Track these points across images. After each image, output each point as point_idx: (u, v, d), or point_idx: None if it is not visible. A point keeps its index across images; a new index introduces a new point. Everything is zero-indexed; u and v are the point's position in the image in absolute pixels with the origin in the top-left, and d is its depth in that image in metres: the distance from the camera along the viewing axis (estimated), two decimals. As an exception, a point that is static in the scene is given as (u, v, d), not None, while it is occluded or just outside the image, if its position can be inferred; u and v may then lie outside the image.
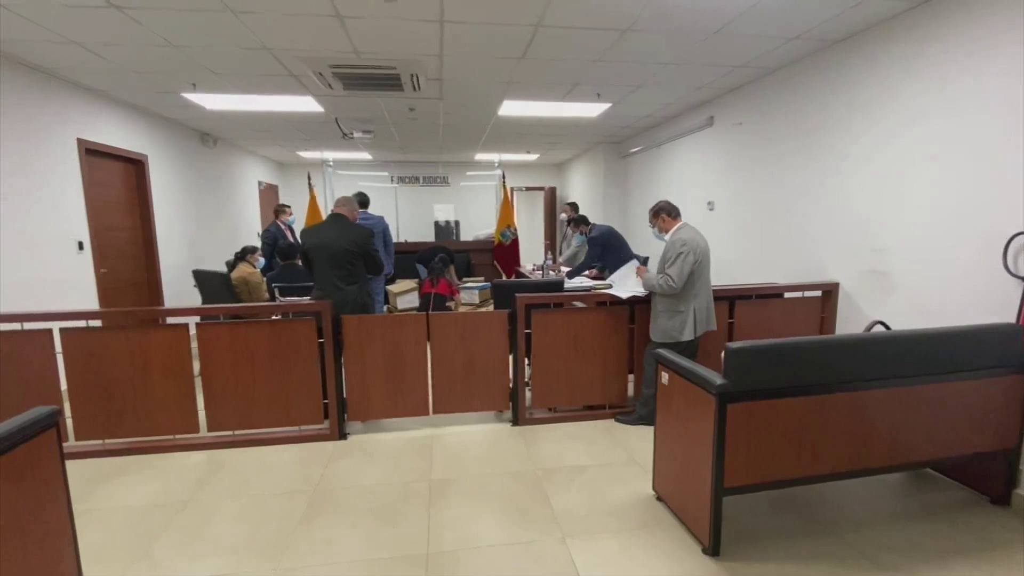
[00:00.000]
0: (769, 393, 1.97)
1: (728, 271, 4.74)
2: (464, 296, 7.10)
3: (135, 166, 5.12)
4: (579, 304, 3.42)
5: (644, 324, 3.39)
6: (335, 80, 4.09)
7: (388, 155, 8.87)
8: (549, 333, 3.31)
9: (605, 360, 3.41)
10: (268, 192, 8.94)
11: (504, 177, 8.23)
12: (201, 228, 6.38)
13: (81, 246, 4.25)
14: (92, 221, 4.35)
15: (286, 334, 3.07)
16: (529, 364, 3.36)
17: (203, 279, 4.58)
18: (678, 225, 3.12)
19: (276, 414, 3.13)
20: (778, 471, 2.04)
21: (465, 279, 7.70)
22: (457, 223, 9.86)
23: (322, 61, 3.69)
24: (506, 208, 8.13)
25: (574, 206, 7.13)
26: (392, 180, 10.13)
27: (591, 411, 3.48)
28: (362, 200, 5.32)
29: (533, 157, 9.43)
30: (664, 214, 3.14)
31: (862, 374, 2.05)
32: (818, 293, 3.65)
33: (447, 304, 6.02)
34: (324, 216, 8.00)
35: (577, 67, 3.99)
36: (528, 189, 11.04)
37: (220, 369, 3.04)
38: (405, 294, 6.66)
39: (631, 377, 3.54)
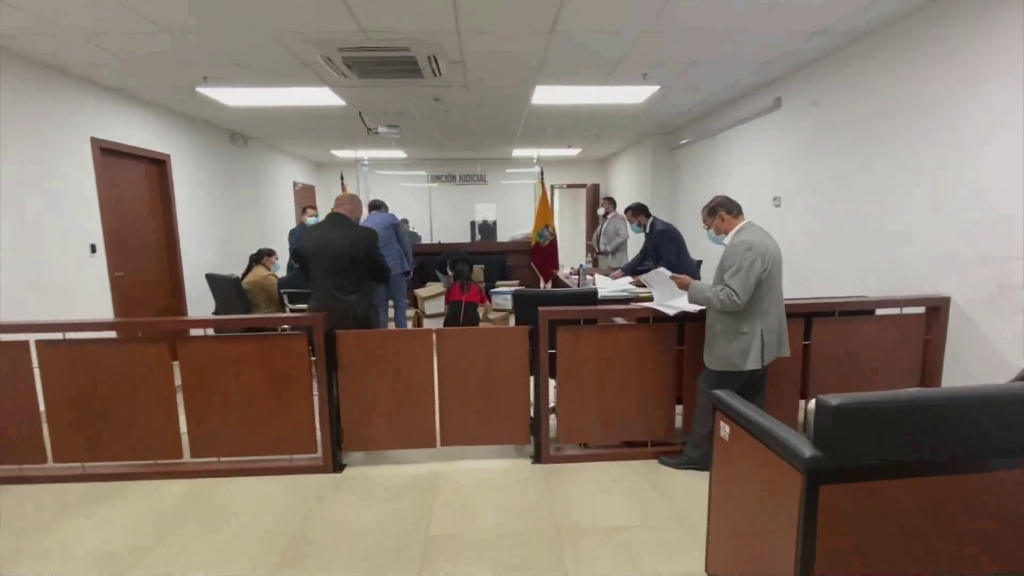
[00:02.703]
0: (882, 471, 1.36)
1: (799, 281, 4.01)
2: (497, 301, 6.64)
3: (157, 166, 4.97)
4: (617, 320, 2.85)
5: (696, 345, 2.78)
6: (347, 68, 3.72)
7: (423, 153, 8.54)
8: (578, 354, 2.78)
9: (647, 388, 2.83)
10: (303, 192, 8.84)
11: (542, 174, 7.71)
12: (231, 230, 6.24)
13: (94, 249, 4.09)
14: (107, 223, 4.20)
15: (277, 350, 2.70)
16: (554, 407, 2.84)
17: (215, 284, 4.35)
18: (741, 225, 2.50)
19: (266, 441, 2.77)
20: (889, 571, 1.42)
21: (499, 283, 7.24)
22: (494, 223, 9.42)
23: (329, 44, 3.31)
24: (543, 207, 7.60)
25: (612, 200, 6.59)
26: (428, 179, 9.82)
27: (630, 447, 2.91)
28: (379, 203, 5.15)
29: (574, 152, 8.85)
30: (723, 211, 2.53)
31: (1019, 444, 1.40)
32: (921, 310, 2.91)
33: (478, 312, 5.57)
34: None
35: (618, 41, 3.42)
36: (569, 187, 10.46)
37: (204, 388, 2.71)
38: (434, 298, 6.27)
39: (679, 408, 2.94)
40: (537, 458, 2.84)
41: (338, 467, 2.80)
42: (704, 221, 2.62)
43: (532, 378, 2.82)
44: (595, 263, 6.61)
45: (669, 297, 2.78)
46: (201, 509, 2.48)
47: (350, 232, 2.92)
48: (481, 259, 7.23)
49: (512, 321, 3.49)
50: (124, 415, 2.72)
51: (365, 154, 8.26)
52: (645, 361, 2.81)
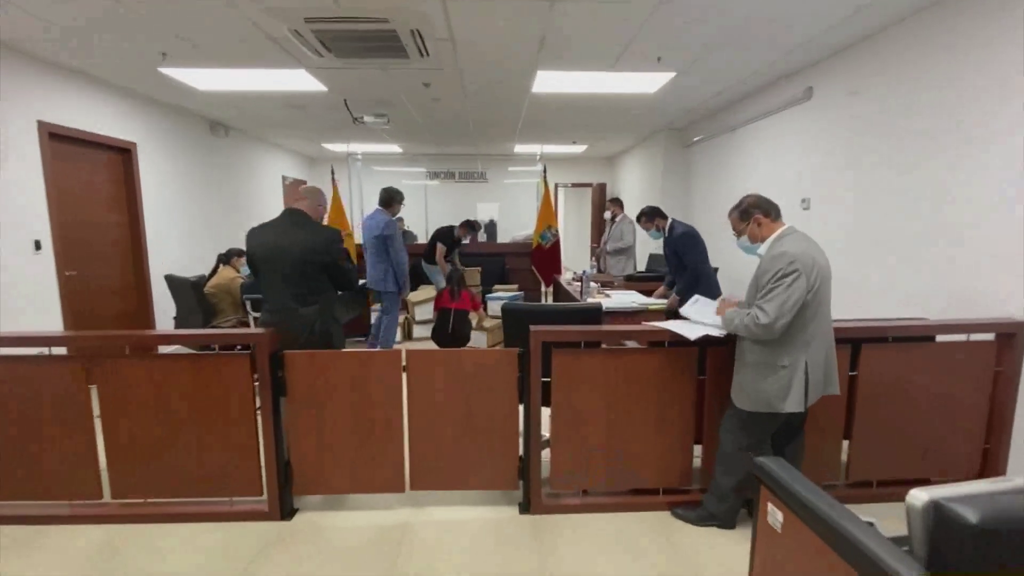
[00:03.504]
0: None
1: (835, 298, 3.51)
2: (494, 307, 6.17)
3: (120, 154, 4.54)
4: (628, 343, 2.37)
5: (722, 375, 2.31)
6: (322, 45, 3.26)
7: (420, 148, 8.09)
8: (578, 382, 2.30)
9: (661, 425, 2.36)
10: (294, 188, 8.40)
11: (545, 171, 7.23)
12: (211, 227, 5.80)
13: (39, 245, 3.65)
14: (55, 216, 3.76)
15: (214, 373, 2.24)
16: (548, 438, 2.37)
17: (175, 287, 3.90)
18: (781, 230, 2.02)
19: (202, 481, 2.31)
20: None
21: (497, 287, 6.77)
22: (494, 223, 8.96)
23: (294, 13, 2.85)
24: (546, 206, 7.12)
25: (618, 202, 6.10)
26: (427, 176, 9.36)
27: (638, 495, 2.43)
28: (387, 197, 4.30)
29: (580, 149, 8.36)
30: (759, 214, 2.05)
31: None
32: (990, 336, 2.42)
33: (470, 320, 5.10)
34: (349, 216, 7.36)
35: (629, 17, 2.94)
36: (574, 186, 9.97)
37: (127, 417, 2.25)
38: (425, 303, 5.81)
39: (698, 449, 2.46)
40: (526, 507, 2.37)
41: (287, 514, 2.34)
42: (734, 226, 2.14)
43: (521, 407, 2.35)
44: (600, 269, 6.13)
45: (705, 319, 2.29)
46: (120, 562, 2.03)
47: (310, 233, 2.46)
48: (479, 261, 6.77)
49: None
50: (33, 448, 2.27)
51: (358, 148, 7.81)
52: (658, 393, 2.33)
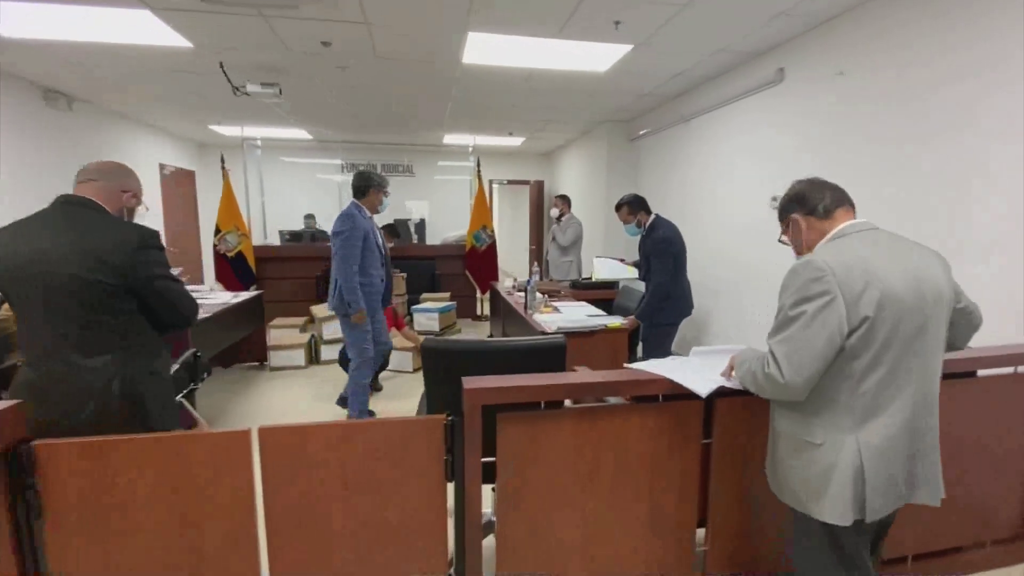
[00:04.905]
0: None
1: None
2: (422, 320, 5.30)
3: None
4: (610, 399, 1.62)
5: (734, 435, 1.64)
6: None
7: (332, 133, 7.01)
8: (538, 462, 1.54)
9: (653, 504, 1.65)
10: (179, 179, 7.02)
11: (479, 166, 6.46)
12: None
13: None
14: None
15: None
16: (494, 519, 1.58)
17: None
18: (836, 230, 1.31)
19: None
20: None
21: (426, 296, 5.90)
22: (423, 222, 8.04)
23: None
24: (480, 204, 6.38)
25: (566, 199, 5.51)
26: (343, 168, 8.26)
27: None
28: (360, 184, 3.15)
29: (518, 142, 7.66)
30: (797, 211, 1.36)
31: None
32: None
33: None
34: (246, 214, 6.15)
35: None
36: (511, 183, 9.27)
37: None
38: (334, 319, 4.81)
39: (701, 532, 1.77)
40: (460, 649, 1.57)
41: None
42: (783, 227, 1.44)
43: (453, 486, 1.55)
44: (543, 275, 5.45)
45: (712, 372, 1.59)
46: None
47: (98, 235, 1.50)
48: (404, 266, 5.84)
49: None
50: None
51: (256, 132, 6.62)
52: (650, 463, 1.62)
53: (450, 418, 1.46)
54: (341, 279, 3.00)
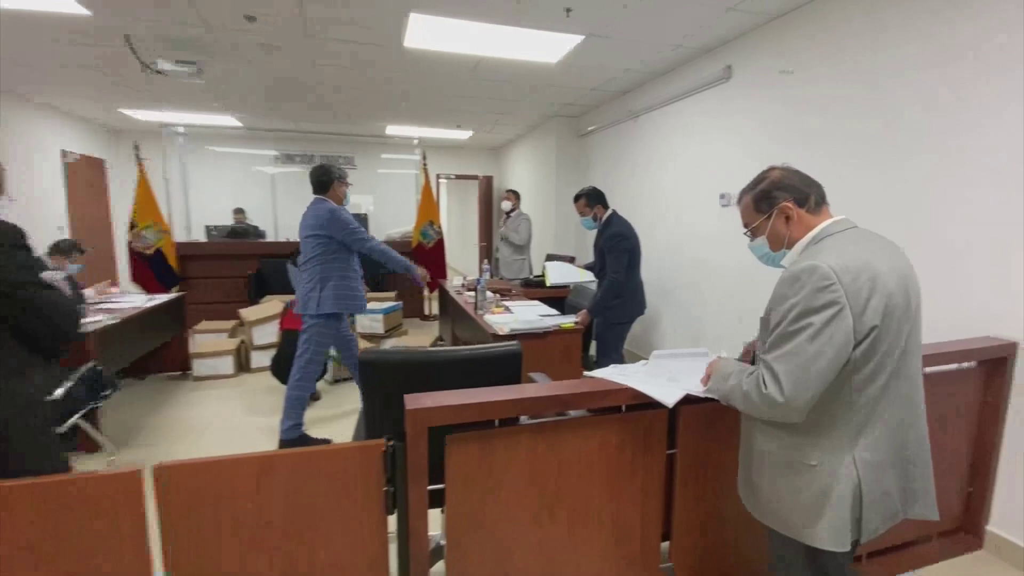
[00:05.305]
0: None
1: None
2: (364, 323, 5.01)
3: None
4: (572, 412, 1.47)
5: (700, 444, 1.55)
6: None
7: (265, 121, 6.51)
8: (493, 486, 1.38)
9: (617, 522, 1.53)
10: (84, 168, 6.29)
11: (425, 159, 6.21)
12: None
13: None
14: None
15: None
16: (443, 543, 1.40)
17: None
18: (821, 227, 1.23)
19: None
20: None
21: (369, 295, 5.58)
22: (366, 217, 7.66)
23: None
24: (427, 199, 6.14)
25: (516, 194, 5.41)
26: (278, 160, 7.73)
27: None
28: (320, 178, 2.95)
29: (465, 135, 7.44)
30: (788, 199, 1.25)
31: None
32: (972, 364, 1.99)
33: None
34: (166, 209, 5.57)
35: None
36: (459, 177, 9.04)
37: None
38: (265, 322, 4.44)
39: (665, 546, 1.68)
40: None
41: None
42: (746, 220, 1.34)
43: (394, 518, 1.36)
44: (493, 273, 5.28)
45: (684, 380, 1.48)
46: None
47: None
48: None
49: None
50: None
51: (178, 118, 6.03)
52: (613, 478, 1.50)
53: (390, 443, 1.27)
54: (380, 257, 3.12)
